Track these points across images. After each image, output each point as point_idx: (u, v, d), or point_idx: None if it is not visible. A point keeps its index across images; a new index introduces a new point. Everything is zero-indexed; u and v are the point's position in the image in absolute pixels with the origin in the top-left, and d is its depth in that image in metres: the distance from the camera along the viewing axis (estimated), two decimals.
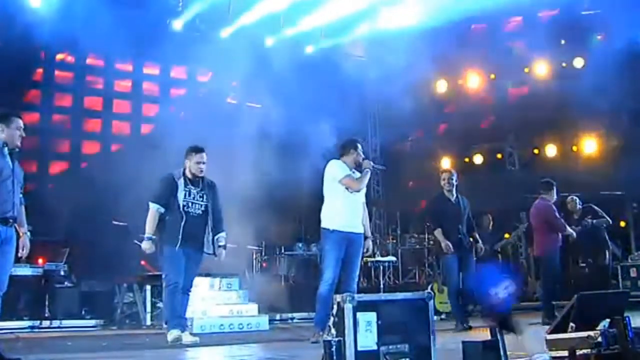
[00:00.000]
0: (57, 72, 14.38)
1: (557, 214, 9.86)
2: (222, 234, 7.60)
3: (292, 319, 11.54)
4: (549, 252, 9.73)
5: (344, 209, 7.29)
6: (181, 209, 7.31)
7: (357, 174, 7.39)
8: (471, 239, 9.23)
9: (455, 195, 9.20)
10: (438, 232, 9.00)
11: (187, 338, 7.20)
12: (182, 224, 7.27)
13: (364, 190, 7.51)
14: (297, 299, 12.14)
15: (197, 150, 7.49)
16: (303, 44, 16.02)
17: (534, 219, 10.05)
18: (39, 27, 12.02)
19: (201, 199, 7.46)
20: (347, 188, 7.25)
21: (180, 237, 7.24)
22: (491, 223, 14.26)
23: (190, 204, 7.38)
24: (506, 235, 14.42)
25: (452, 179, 9.19)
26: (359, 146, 7.52)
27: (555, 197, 10.00)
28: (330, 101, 12.94)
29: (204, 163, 7.45)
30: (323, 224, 7.35)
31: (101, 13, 11.90)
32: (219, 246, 7.55)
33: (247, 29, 14.84)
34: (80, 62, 14.48)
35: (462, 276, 9.01)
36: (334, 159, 7.44)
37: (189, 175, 7.46)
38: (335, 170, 7.32)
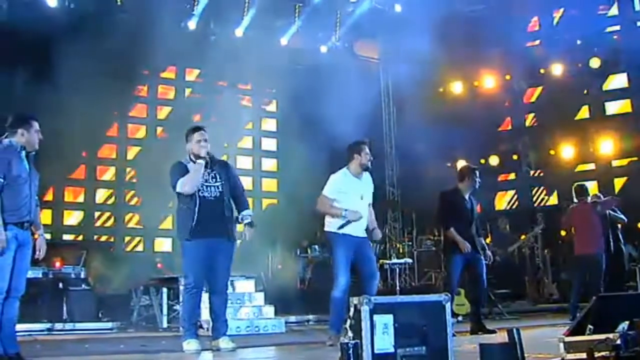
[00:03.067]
0: None
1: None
2: (247, 211, 7.08)
3: (308, 321, 11.53)
4: (601, 249, 9.89)
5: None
6: (196, 195, 6.77)
7: (361, 177, 7.41)
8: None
9: (468, 196, 8.87)
10: (452, 231, 8.64)
11: (225, 344, 6.89)
12: (197, 209, 6.74)
13: (369, 195, 7.51)
14: (313, 301, 12.13)
15: (196, 129, 7.07)
16: (318, 43, 16.05)
17: (586, 219, 10.05)
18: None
19: (214, 180, 6.92)
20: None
21: (194, 225, 6.72)
22: (507, 225, 14.19)
23: (204, 187, 6.83)
24: (522, 237, 14.34)
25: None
26: (364, 148, 7.41)
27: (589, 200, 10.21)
28: (346, 102, 12.95)
29: (205, 140, 6.94)
30: (329, 228, 7.34)
31: None
32: (245, 224, 7.06)
33: (261, 29, 14.91)
34: None
35: (474, 279, 8.80)
36: (333, 174, 7.45)
37: (193, 158, 6.93)
38: (326, 186, 7.38)
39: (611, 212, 10.45)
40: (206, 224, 6.78)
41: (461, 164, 16.52)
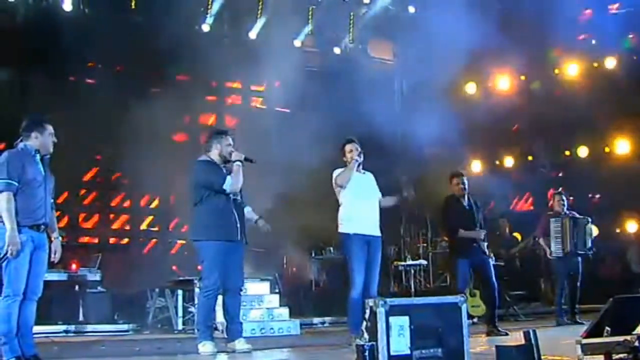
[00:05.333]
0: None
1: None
2: (249, 208, 7.27)
3: (322, 323, 11.53)
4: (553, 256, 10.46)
5: (361, 212, 7.37)
6: (229, 195, 6.87)
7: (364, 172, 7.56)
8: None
9: (467, 200, 8.98)
10: (462, 232, 8.78)
11: (240, 345, 6.92)
12: (234, 211, 6.86)
13: (373, 190, 7.56)
14: (328, 303, 12.14)
15: (225, 132, 7.20)
16: (331, 45, 16.02)
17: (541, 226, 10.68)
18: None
19: None
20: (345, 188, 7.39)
21: (237, 227, 6.83)
22: (508, 227, 14.12)
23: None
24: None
25: (465, 184, 8.96)
26: (347, 146, 7.52)
27: (556, 207, 10.53)
28: (360, 103, 12.93)
29: (233, 144, 7.08)
30: (342, 229, 7.41)
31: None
32: (258, 220, 7.28)
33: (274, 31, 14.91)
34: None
35: (484, 282, 8.96)
36: (336, 169, 7.58)
37: (218, 160, 7.03)
38: (333, 179, 7.48)
39: None
40: (236, 227, 6.87)
41: (475, 165, 16.55)
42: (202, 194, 6.91)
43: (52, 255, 6.02)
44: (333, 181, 7.49)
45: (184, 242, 14.39)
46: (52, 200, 6.05)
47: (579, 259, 10.38)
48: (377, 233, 7.45)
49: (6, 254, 5.56)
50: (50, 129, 6.01)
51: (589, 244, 10.44)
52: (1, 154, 5.83)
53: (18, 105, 11.59)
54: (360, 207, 7.38)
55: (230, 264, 6.89)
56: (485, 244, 8.97)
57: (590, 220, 10.59)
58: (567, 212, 10.49)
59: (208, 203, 6.87)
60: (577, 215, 10.49)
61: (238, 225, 6.86)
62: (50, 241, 6.02)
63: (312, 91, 14.01)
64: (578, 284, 10.28)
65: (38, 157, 5.90)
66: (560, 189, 11.45)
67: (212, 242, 6.82)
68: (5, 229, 5.58)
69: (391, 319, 4.39)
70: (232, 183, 6.84)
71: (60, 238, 6.18)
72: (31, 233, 5.73)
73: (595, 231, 14.11)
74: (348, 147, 7.53)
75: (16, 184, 5.67)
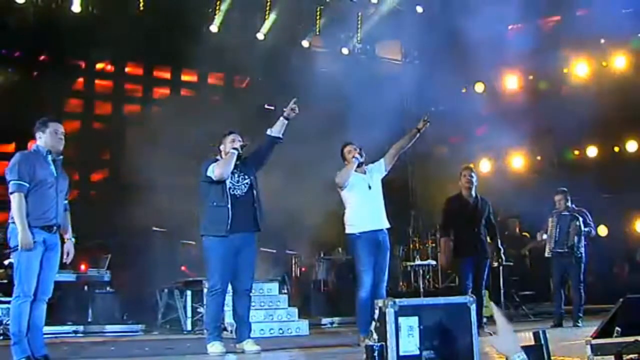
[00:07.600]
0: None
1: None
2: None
3: (332, 323, 11.53)
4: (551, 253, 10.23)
5: (364, 209, 7.39)
6: (227, 192, 6.88)
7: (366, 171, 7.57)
8: (490, 242, 9.01)
9: (474, 196, 8.90)
10: (445, 241, 8.90)
11: (249, 346, 6.92)
12: (230, 208, 6.83)
13: (378, 185, 7.56)
14: (337, 303, 12.14)
15: (230, 132, 7.25)
16: (339, 45, 16.00)
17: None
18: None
19: (243, 178, 7.05)
20: (345, 187, 7.42)
21: (229, 223, 6.80)
22: (518, 227, 14.08)
23: (235, 187, 6.95)
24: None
25: (473, 177, 8.89)
26: (346, 148, 7.61)
27: (561, 205, 10.12)
28: (368, 103, 12.93)
29: (239, 140, 7.10)
30: (348, 230, 7.44)
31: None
32: (281, 121, 7.34)
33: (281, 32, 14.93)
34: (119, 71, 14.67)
35: (473, 282, 8.77)
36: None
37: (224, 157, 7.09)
38: (335, 181, 7.52)
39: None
40: (237, 221, 6.85)
41: (484, 165, 16.50)
42: (204, 191, 7.01)
43: (65, 256, 6.05)
44: (336, 185, 7.52)
45: (193, 242, 14.43)
46: (65, 201, 6.06)
47: (572, 259, 9.86)
48: (385, 225, 7.47)
49: (17, 246, 5.59)
50: (53, 127, 5.97)
51: (572, 242, 9.81)
52: (12, 154, 5.86)
53: (27, 106, 11.62)
54: (365, 207, 7.40)
55: (239, 262, 6.90)
56: (490, 241, 8.92)
57: (579, 217, 9.97)
58: (569, 210, 10.22)
59: (207, 199, 6.97)
60: (583, 214, 10.26)
61: (230, 220, 6.81)
62: (63, 242, 6.04)
63: (319, 92, 14.02)
64: (580, 286, 9.88)
65: (50, 158, 5.91)
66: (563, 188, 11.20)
67: (208, 238, 6.92)
68: (17, 229, 5.61)
69: (400, 319, 4.39)
70: (216, 169, 6.86)
71: (73, 239, 6.20)
72: (43, 234, 5.75)
73: (604, 231, 14.09)
74: (347, 149, 7.60)
75: (27, 184, 5.69)
